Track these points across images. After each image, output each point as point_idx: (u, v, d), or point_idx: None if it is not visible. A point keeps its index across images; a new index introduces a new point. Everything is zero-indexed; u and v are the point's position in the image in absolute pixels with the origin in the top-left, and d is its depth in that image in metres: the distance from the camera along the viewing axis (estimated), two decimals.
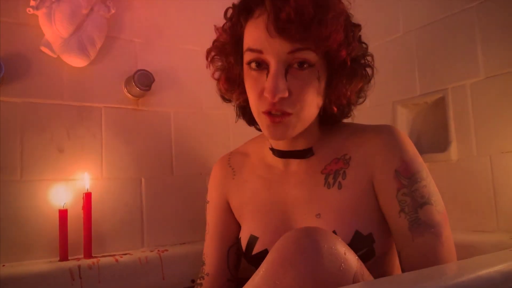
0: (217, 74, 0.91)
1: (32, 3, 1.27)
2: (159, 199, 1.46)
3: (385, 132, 0.85)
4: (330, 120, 0.90)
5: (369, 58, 0.87)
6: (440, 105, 1.43)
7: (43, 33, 1.31)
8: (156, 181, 1.47)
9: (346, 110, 0.89)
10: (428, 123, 1.51)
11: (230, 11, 0.85)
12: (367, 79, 0.85)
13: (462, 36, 1.35)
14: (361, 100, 0.91)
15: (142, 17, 1.50)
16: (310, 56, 0.75)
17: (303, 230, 0.65)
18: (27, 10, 1.27)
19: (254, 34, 0.77)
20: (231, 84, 0.88)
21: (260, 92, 0.78)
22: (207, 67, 0.90)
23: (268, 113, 0.77)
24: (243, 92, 0.85)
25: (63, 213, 1.23)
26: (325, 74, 0.81)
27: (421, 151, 1.43)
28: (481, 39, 1.30)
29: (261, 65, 0.78)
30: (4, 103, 1.25)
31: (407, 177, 0.80)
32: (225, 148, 1.54)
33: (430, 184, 0.81)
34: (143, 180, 1.45)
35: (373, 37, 1.63)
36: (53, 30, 1.29)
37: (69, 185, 1.31)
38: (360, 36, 0.85)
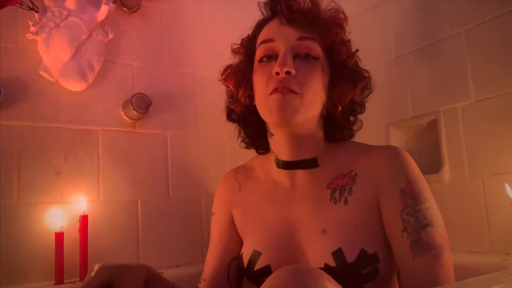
0: (226, 74, 0.98)
1: (32, 29, 1.30)
2: (155, 222, 1.47)
3: (392, 152, 0.87)
4: (335, 131, 0.93)
5: (364, 70, 0.94)
6: (432, 127, 1.46)
7: (41, 58, 1.33)
8: (152, 204, 1.47)
9: (349, 118, 0.94)
10: (421, 145, 1.53)
11: (246, 37, 0.97)
12: (366, 81, 0.92)
13: (452, 60, 1.39)
14: (357, 126, 0.96)
15: (140, 42, 1.53)
16: (315, 47, 0.84)
17: (291, 271, 0.64)
18: (27, 36, 1.30)
19: (267, 29, 0.88)
20: (239, 79, 0.94)
21: (269, 76, 0.84)
22: (219, 80, 0.98)
23: (275, 90, 0.82)
24: (249, 89, 0.92)
25: (59, 236, 1.23)
26: (329, 72, 0.88)
27: None
28: (471, 63, 1.34)
29: (271, 58, 0.85)
30: (2, 127, 1.26)
31: (412, 197, 0.81)
32: (221, 170, 1.55)
33: (433, 206, 0.83)
34: (139, 202, 1.45)
35: (366, 60, 1.66)
36: (52, 55, 1.31)
37: (66, 208, 1.31)
38: (357, 49, 0.95)
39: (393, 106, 1.58)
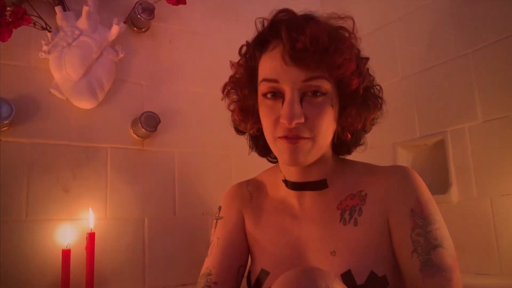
0: (232, 106, 0.93)
1: (45, 48, 1.32)
2: (161, 240, 1.46)
3: (402, 172, 0.86)
4: (343, 149, 0.92)
5: (377, 87, 0.89)
6: (439, 147, 1.46)
7: (53, 76, 1.35)
8: (159, 222, 1.48)
9: (357, 138, 0.92)
10: (428, 164, 1.53)
11: (244, 48, 0.88)
12: (378, 107, 0.88)
13: (459, 81, 1.40)
14: (362, 142, 0.94)
15: (149, 61, 1.56)
16: (324, 84, 0.78)
17: (302, 270, 0.66)
18: (40, 55, 1.32)
19: (270, 65, 0.80)
20: (245, 114, 0.90)
21: (276, 119, 0.80)
22: (222, 99, 0.93)
23: (285, 137, 0.79)
24: (257, 121, 0.88)
25: (66, 253, 1.24)
26: (338, 102, 0.84)
27: None
28: (478, 84, 1.34)
29: (276, 94, 0.80)
30: (12, 144, 1.28)
31: (422, 217, 0.80)
32: (228, 188, 1.55)
33: (443, 227, 0.82)
34: (146, 220, 1.45)
35: None
36: (63, 73, 1.33)
37: (73, 225, 1.31)
38: (368, 68, 0.88)
39: (400, 126, 1.58)
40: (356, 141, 0.92)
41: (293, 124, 0.76)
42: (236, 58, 0.90)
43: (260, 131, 0.88)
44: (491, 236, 1.26)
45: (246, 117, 0.90)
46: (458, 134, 1.39)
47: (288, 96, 0.78)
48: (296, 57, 0.76)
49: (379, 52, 1.67)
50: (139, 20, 1.49)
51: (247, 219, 0.99)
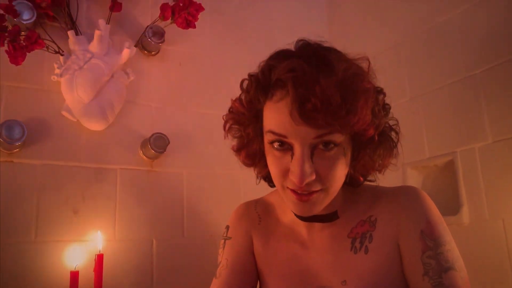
0: (235, 144, 0.87)
1: (57, 71, 1.35)
2: (169, 261, 1.46)
3: (410, 192, 0.84)
4: (354, 184, 0.87)
5: (393, 122, 0.83)
6: (449, 168, 1.44)
7: (64, 99, 1.38)
8: (167, 243, 1.47)
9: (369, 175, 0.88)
10: (438, 185, 1.52)
11: (246, 83, 0.81)
12: (393, 149, 0.82)
13: (468, 101, 1.39)
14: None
15: (159, 83, 1.58)
16: (337, 137, 0.72)
17: None
18: (52, 78, 1.35)
19: (277, 118, 0.72)
20: (253, 159, 0.85)
21: (284, 171, 0.74)
22: (224, 138, 0.86)
23: (294, 191, 0.74)
24: (265, 165, 0.82)
25: (74, 275, 1.23)
26: (351, 148, 0.78)
27: None
28: (487, 104, 1.34)
29: (284, 145, 0.74)
30: (23, 165, 1.29)
31: (432, 239, 0.78)
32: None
33: (454, 249, 0.79)
34: (154, 241, 1.45)
35: None
36: (74, 95, 1.36)
37: (82, 246, 1.31)
38: (384, 100, 0.81)
39: (409, 146, 1.58)
40: (367, 178, 0.88)
41: (304, 184, 0.71)
42: (242, 78, 0.86)
43: (269, 174, 0.82)
44: (504, 258, 1.24)
45: (254, 163, 0.86)
46: (468, 154, 1.38)
47: (297, 152, 0.72)
48: (306, 117, 0.68)
49: (387, 73, 1.68)
50: (149, 43, 1.52)
51: (255, 242, 0.95)
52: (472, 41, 1.40)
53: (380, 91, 0.80)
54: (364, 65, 0.76)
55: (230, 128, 0.85)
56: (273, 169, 0.77)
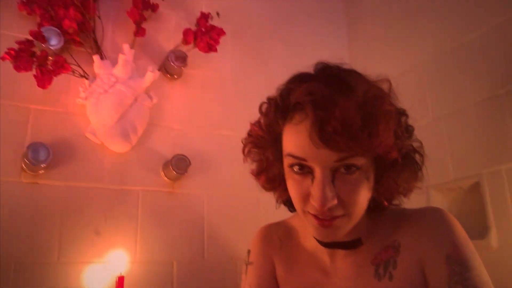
0: (255, 168, 0.86)
1: (82, 94, 1.38)
2: (190, 284, 1.44)
3: (434, 214, 0.80)
4: (379, 209, 0.84)
5: (417, 144, 0.80)
6: (475, 190, 1.41)
7: (88, 121, 1.40)
8: (188, 265, 1.46)
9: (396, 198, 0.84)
10: (464, 208, 1.48)
11: (265, 106, 0.80)
12: (418, 172, 0.80)
13: (493, 122, 1.37)
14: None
15: (181, 106, 1.60)
16: (359, 160, 0.70)
17: None
18: (77, 101, 1.38)
19: (296, 141, 0.71)
20: (273, 184, 0.84)
21: (305, 195, 0.73)
22: (244, 162, 0.85)
23: (315, 216, 0.72)
24: (286, 190, 0.79)
25: None
26: (374, 172, 0.75)
27: None
28: None
29: (304, 168, 0.72)
30: (48, 187, 1.32)
31: (459, 263, 0.74)
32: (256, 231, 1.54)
33: (483, 273, 0.74)
34: (175, 263, 1.44)
35: None
36: (99, 118, 1.38)
37: (103, 268, 1.32)
38: (407, 122, 0.78)
39: (432, 167, 1.53)
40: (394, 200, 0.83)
41: (326, 208, 0.70)
42: (263, 99, 0.86)
43: (290, 198, 0.80)
44: None
45: (274, 187, 0.85)
46: (495, 176, 1.34)
47: (318, 175, 0.70)
48: (326, 140, 0.66)
49: (409, 94, 1.66)
50: (172, 67, 1.55)
51: (277, 267, 0.93)
52: (496, 61, 1.38)
53: (402, 113, 0.78)
54: (385, 86, 0.74)
55: (249, 151, 0.84)
56: (294, 193, 0.75)
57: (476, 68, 1.44)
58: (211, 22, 1.58)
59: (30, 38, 1.28)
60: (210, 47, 1.52)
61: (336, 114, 0.65)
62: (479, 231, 1.36)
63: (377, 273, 0.80)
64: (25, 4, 1.37)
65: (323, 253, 0.86)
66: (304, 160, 0.70)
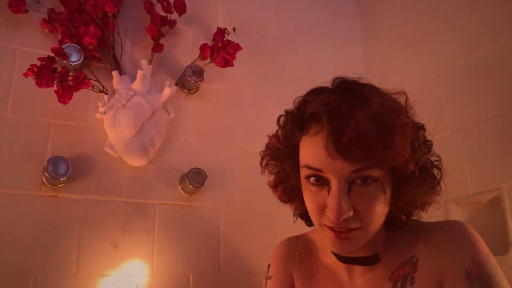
0: (272, 180, 0.87)
1: (101, 109, 1.41)
2: None
3: (453, 228, 0.78)
4: (397, 224, 0.83)
5: (435, 158, 0.80)
6: (495, 205, 1.38)
7: (107, 136, 1.43)
8: (204, 279, 1.46)
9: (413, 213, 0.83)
10: (484, 223, 1.45)
11: (282, 119, 0.81)
12: (436, 186, 0.78)
13: None
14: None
15: (197, 120, 1.62)
16: (374, 172, 0.70)
17: None
18: (96, 115, 1.41)
19: (313, 152, 0.72)
20: (290, 195, 0.85)
21: (321, 207, 0.73)
22: (261, 174, 0.86)
23: (331, 229, 0.72)
24: (302, 202, 0.80)
25: None
26: (390, 184, 0.75)
27: None
28: None
29: (321, 180, 0.73)
30: (67, 200, 1.34)
31: (479, 280, 0.71)
32: (273, 247, 1.53)
33: None
34: (191, 277, 1.45)
35: None
36: (117, 132, 1.40)
37: (120, 282, 1.33)
38: (424, 136, 0.78)
39: (451, 181, 1.51)
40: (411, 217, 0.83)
41: (341, 220, 0.70)
42: (279, 115, 0.86)
43: (306, 211, 0.80)
44: None
45: (290, 199, 0.85)
46: None
47: (334, 187, 0.70)
48: (342, 150, 0.67)
49: (427, 107, 1.64)
50: (189, 82, 1.57)
51: (296, 282, 0.93)
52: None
53: (420, 127, 0.77)
54: (402, 99, 0.74)
55: (267, 164, 0.85)
56: (310, 205, 0.75)
57: (495, 81, 1.43)
58: (227, 37, 1.60)
59: (52, 55, 1.32)
60: (227, 62, 1.53)
61: (351, 125, 0.66)
62: (500, 247, 1.34)
63: None
64: (47, 21, 1.41)
65: (341, 269, 0.85)
66: (320, 171, 0.71)
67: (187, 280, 1.44)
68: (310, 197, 0.75)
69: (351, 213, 0.69)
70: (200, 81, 1.58)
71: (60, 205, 1.33)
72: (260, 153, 0.86)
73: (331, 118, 0.68)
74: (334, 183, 0.70)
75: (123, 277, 1.34)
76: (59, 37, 1.42)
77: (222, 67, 1.55)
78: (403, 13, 1.87)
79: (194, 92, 1.63)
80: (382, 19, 2.00)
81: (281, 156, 0.81)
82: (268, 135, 0.83)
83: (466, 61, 1.54)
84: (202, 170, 1.48)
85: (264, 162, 0.85)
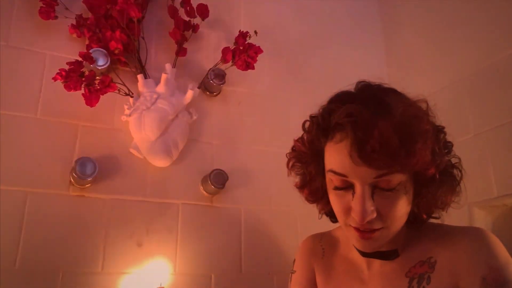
0: (298, 181, 0.90)
1: (127, 111, 1.45)
2: None
3: (474, 235, 0.79)
4: (418, 221, 0.86)
5: (455, 160, 0.82)
6: None
7: (132, 137, 1.47)
8: (225, 278, 1.49)
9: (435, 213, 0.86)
10: (509, 226, 1.43)
11: (307, 124, 0.85)
12: (456, 187, 0.81)
13: None
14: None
15: (220, 122, 1.65)
16: (397, 177, 0.73)
17: None
18: (122, 118, 1.45)
19: (337, 159, 0.75)
20: (316, 196, 0.89)
21: (347, 209, 0.77)
22: (288, 175, 0.90)
23: (357, 229, 0.76)
24: (328, 202, 0.84)
25: None
26: (412, 186, 0.78)
27: None
28: None
29: (346, 183, 0.76)
30: (94, 199, 1.38)
31: (496, 286, 0.73)
32: (293, 247, 1.54)
33: None
34: (213, 276, 1.47)
35: None
36: (142, 134, 1.44)
37: (144, 279, 1.36)
38: (445, 138, 0.81)
39: (475, 184, 1.51)
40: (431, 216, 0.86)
41: (365, 222, 0.73)
42: (300, 116, 0.89)
43: (332, 210, 0.84)
44: None
45: (316, 199, 0.89)
46: None
47: (358, 190, 0.74)
48: (365, 158, 0.71)
49: (449, 109, 1.64)
50: (211, 85, 1.60)
51: (318, 276, 0.97)
52: None
53: (440, 130, 0.80)
54: (423, 105, 0.77)
55: (293, 166, 0.89)
56: (336, 207, 0.79)
57: None
58: (249, 40, 1.62)
59: (79, 59, 1.37)
60: (248, 65, 1.56)
61: (374, 134, 0.69)
62: None
63: (411, 285, 0.81)
64: (75, 27, 1.46)
65: (362, 263, 0.89)
66: (345, 176, 0.75)
67: (209, 279, 1.47)
68: (335, 199, 0.79)
69: (374, 215, 0.73)
70: (222, 84, 1.61)
71: (87, 205, 1.37)
72: (286, 155, 0.89)
73: (355, 128, 0.71)
74: (358, 187, 0.74)
75: (147, 275, 1.37)
76: (87, 42, 1.47)
77: (243, 70, 1.57)
78: (425, 17, 1.86)
79: (216, 95, 1.66)
80: (404, 20, 1.99)
81: (306, 159, 0.85)
82: (294, 139, 0.87)
83: (490, 62, 1.52)
84: (224, 171, 1.51)
85: (290, 164, 0.89)
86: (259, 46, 1.58)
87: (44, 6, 1.40)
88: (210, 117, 1.64)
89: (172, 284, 1.39)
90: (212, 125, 1.63)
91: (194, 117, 1.55)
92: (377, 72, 1.98)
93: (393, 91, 0.78)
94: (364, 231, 0.75)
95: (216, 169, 1.51)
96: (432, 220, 0.89)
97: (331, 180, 0.78)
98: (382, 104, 0.73)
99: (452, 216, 1.62)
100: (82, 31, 1.46)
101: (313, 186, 0.87)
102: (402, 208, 0.76)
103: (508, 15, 1.49)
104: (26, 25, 1.44)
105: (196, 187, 1.54)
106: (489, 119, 1.50)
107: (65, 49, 1.47)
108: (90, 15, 1.48)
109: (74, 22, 1.46)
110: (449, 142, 0.82)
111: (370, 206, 0.73)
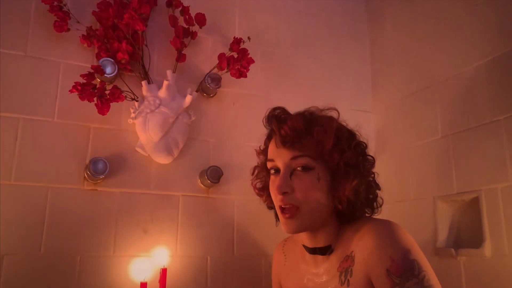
0: (256, 186, 1.14)
1: (132, 115, 1.63)
2: (221, 276, 1.70)
3: (380, 228, 0.89)
4: (348, 217, 0.98)
5: (369, 158, 0.99)
6: (475, 204, 1.57)
7: (138, 137, 1.66)
8: (220, 260, 1.71)
9: (358, 208, 0.96)
10: (465, 219, 1.64)
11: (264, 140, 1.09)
12: (359, 177, 0.94)
13: (492, 144, 1.51)
14: (372, 198, 1.00)
15: (216, 121, 1.83)
16: (308, 161, 0.93)
17: None
18: (128, 120, 1.64)
19: (270, 148, 1.00)
20: (262, 189, 1.10)
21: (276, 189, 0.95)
22: (251, 183, 1.16)
23: (282, 210, 0.93)
24: (269, 195, 1.03)
25: (143, 286, 1.49)
26: (326, 175, 0.94)
27: (460, 246, 1.56)
28: (509, 149, 1.46)
29: (278, 171, 0.97)
30: (105, 193, 1.59)
31: (398, 275, 0.82)
32: (277, 233, 1.76)
33: (424, 280, 0.81)
34: (209, 258, 1.70)
35: (415, 138, 1.83)
36: (146, 135, 1.63)
37: (149, 261, 1.58)
38: (357, 143, 0.98)
39: (439, 180, 1.71)
40: (356, 211, 0.97)
41: (281, 193, 0.93)
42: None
43: (271, 204, 1.04)
44: None
45: (262, 192, 1.10)
46: (491, 193, 1.50)
47: (281, 171, 0.95)
48: (283, 141, 0.94)
49: (422, 112, 1.82)
50: (208, 88, 1.77)
51: (282, 282, 1.15)
52: (496, 89, 1.52)
53: (353, 134, 1.00)
54: (333, 113, 1.00)
55: (258, 174, 1.13)
56: (271, 191, 1.00)
57: (479, 94, 1.57)
58: (243, 45, 1.78)
59: (89, 67, 1.54)
60: (241, 74, 1.72)
61: (288, 122, 0.94)
62: (476, 241, 1.53)
63: (340, 279, 0.94)
64: (86, 38, 1.61)
65: (310, 259, 1.04)
66: (273, 160, 0.98)
67: (206, 261, 1.69)
68: (271, 185, 1.00)
69: (289, 189, 0.93)
70: (218, 87, 1.78)
71: (99, 197, 1.58)
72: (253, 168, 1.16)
73: (277, 121, 0.97)
74: (281, 168, 0.96)
75: (152, 258, 1.59)
76: (96, 51, 1.63)
77: (236, 77, 1.74)
78: (410, 19, 1.98)
79: (213, 96, 1.84)
80: (389, 24, 2.11)
81: (262, 165, 1.09)
82: (255, 149, 1.16)
83: (456, 72, 1.68)
84: (219, 167, 1.71)
85: (255, 172, 1.15)
86: (251, 57, 1.74)
87: (58, 20, 1.55)
88: (207, 117, 1.82)
89: (173, 265, 1.62)
90: (209, 124, 1.81)
91: (193, 118, 1.73)
92: (362, 72, 2.14)
93: (315, 110, 1.01)
94: (285, 209, 0.93)
95: (212, 166, 1.70)
96: (375, 216, 1.01)
97: (269, 169, 1.00)
98: (299, 112, 0.99)
99: (418, 206, 1.83)
100: (92, 41, 1.62)
101: (265, 183, 1.08)
102: (315, 191, 0.93)
103: (490, 19, 1.58)
104: (42, 37, 1.59)
105: (194, 180, 1.74)
106: (456, 124, 1.67)
107: (77, 57, 1.63)
108: (99, 26, 1.63)
109: (85, 33, 1.62)
110: (363, 142, 1.00)
111: (286, 182, 0.92)
